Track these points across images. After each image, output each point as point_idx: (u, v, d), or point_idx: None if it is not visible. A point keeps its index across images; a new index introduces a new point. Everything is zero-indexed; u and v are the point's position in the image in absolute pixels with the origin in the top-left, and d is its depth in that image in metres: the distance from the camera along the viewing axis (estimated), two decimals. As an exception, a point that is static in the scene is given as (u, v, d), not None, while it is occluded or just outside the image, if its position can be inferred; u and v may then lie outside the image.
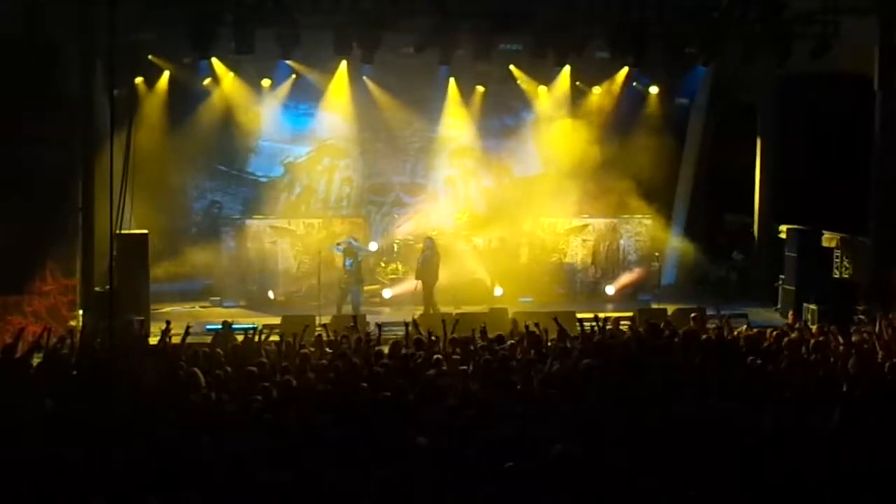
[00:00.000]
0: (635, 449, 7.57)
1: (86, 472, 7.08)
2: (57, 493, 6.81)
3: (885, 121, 17.40)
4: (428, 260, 17.94)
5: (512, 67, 20.28)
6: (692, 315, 14.04)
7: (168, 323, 12.23)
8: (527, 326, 12.06)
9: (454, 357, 10.62)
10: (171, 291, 18.39)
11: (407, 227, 20.82)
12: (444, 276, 19.10)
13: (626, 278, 20.13)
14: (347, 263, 17.51)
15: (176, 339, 11.98)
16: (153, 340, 13.03)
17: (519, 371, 9.98)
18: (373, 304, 18.74)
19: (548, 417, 8.33)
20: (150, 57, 18.44)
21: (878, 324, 12.54)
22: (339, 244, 18.01)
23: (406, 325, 12.02)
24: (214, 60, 18.75)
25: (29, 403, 8.66)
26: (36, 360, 10.49)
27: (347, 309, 17.01)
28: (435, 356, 10.50)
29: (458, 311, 16.46)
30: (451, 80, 20.09)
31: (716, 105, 20.90)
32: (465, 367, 10.22)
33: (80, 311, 15.16)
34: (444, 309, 17.21)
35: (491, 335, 11.81)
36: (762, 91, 20.38)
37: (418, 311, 15.96)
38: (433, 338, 11.52)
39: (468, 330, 12.24)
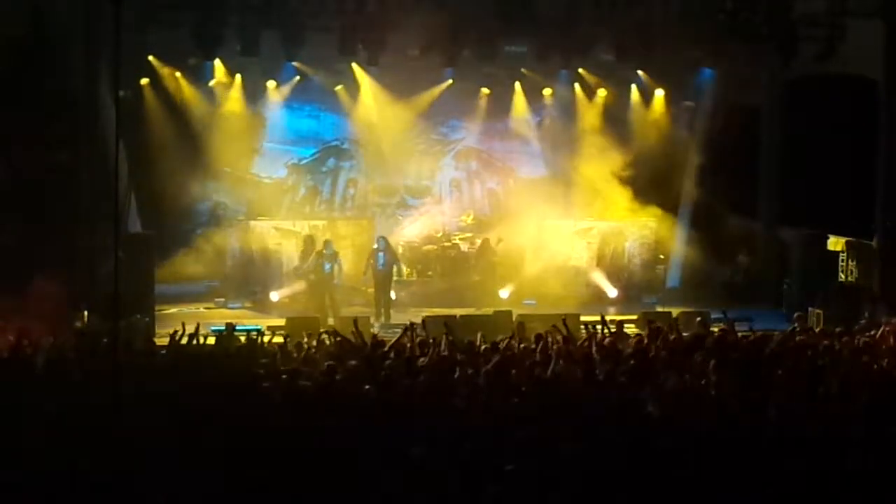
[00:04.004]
0: (638, 450, 7.56)
1: (91, 474, 7.08)
2: (61, 495, 6.82)
3: (890, 123, 17.38)
4: (388, 263, 17.71)
5: (517, 69, 20.28)
6: (697, 318, 14.00)
7: (197, 326, 12.15)
8: (548, 332, 11.98)
9: (458, 359, 10.60)
10: (175, 293, 18.38)
11: (412, 229, 20.82)
12: (449, 277, 19.12)
13: (611, 275, 19.97)
14: (326, 267, 17.43)
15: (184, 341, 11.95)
16: (160, 342, 13.03)
17: (523, 374, 9.96)
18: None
19: (552, 420, 8.31)
20: (150, 58, 18.46)
21: (883, 328, 12.50)
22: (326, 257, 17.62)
23: (407, 327, 11.96)
24: (219, 62, 18.78)
25: (33, 404, 8.65)
26: (40, 362, 10.48)
27: (346, 312, 16.99)
28: (439, 359, 10.48)
29: (463, 313, 16.41)
30: (448, 80, 20.07)
31: (721, 107, 20.88)
32: (469, 370, 10.19)
33: (86, 312, 15.17)
34: (448, 311, 17.16)
35: (495, 338, 11.77)
36: (768, 93, 20.36)
37: (423, 314, 15.94)
38: (433, 340, 11.49)
39: (472, 333, 12.21)
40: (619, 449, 7.58)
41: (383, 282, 17.73)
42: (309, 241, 18.11)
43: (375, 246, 18.01)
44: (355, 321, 12.62)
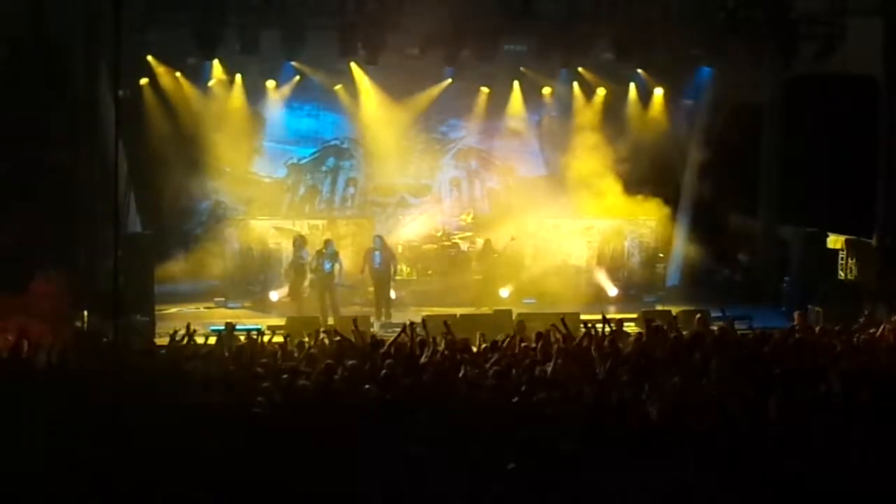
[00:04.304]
0: (638, 449, 7.57)
1: (90, 473, 7.08)
2: (61, 495, 6.82)
3: (890, 121, 17.38)
4: (385, 262, 17.77)
5: (517, 68, 20.27)
6: (697, 316, 14.00)
7: (187, 326, 12.18)
8: (548, 331, 11.98)
9: (459, 358, 10.60)
10: (175, 292, 18.38)
11: (412, 229, 20.81)
12: (449, 277, 19.11)
13: (611, 274, 19.96)
14: (327, 266, 17.43)
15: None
16: (160, 341, 13.04)
17: (524, 372, 9.96)
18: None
19: (552, 418, 8.31)
20: (150, 58, 18.47)
21: (883, 326, 12.50)
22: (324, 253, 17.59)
23: (405, 326, 11.95)
24: (219, 62, 18.77)
25: (33, 404, 8.66)
26: (40, 362, 10.47)
27: (346, 311, 17.00)
28: (439, 358, 10.49)
29: (463, 312, 16.42)
30: (448, 79, 20.08)
31: (721, 106, 20.87)
32: (469, 369, 10.20)
33: (85, 312, 15.16)
34: (448, 310, 17.16)
35: (495, 337, 11.78)
36: (768, 92, 20.35)
37: (423, 313, 15.93)
38: (433, 339, 11.50)
39: (472, 332, 12.21)
40: (618, 447, 7.58)
41: (381, 280, 17.76)
42: (299, 240, 18.02)
43: (372, 245, 18.03)
44: (355, 321, 12.62)
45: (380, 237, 18.22)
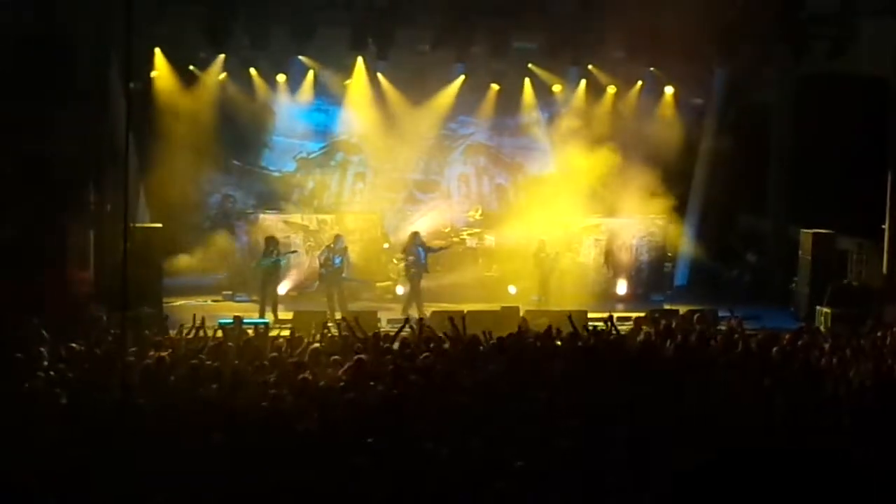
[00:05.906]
0: (639, 447, 7.57)
1: (99, 467, 7.11)
2: (68, 488, 6.85)
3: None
4: (427, 257, 17.77)
5: (527, 66, 20.26)
6: (695, 316, 13.96)
7: (202, 319, 12.20)
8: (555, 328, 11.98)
9: (462, 355, 10.61)
10: (183, 285, 18.42)
11: (420, 224, 20.80)
12: (456, 273, 19.11)
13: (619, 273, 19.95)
14: (336, 262, 17.43)
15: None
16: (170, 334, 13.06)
17: (529, 370, 9.97)
18: (385, 300, 18.74)
19: (555, 415, 8.32)
20: (160, 51, 18.53)
21: (891, 328, 12.47)
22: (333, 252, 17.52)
23: (409, 322, 11.95)
24: (229, 55, 18.81)
25: (43, 398, 8.69)
26: (48, 354, 10.50)
27: (354, 306, 17.01)
28: (443, 353, 10.51)
29: (470, 308, 16.42)
30: (462, 77, 20.07)
31: (731, 106, 20.83)
32: (475, 364, 10.21)
33: (94, 304, 15.19)
34: (454, 307, 17.15)
35: (502, 334, 11.78)
36: (778, 92, 20.29)
37: (430, 309, 15.95)
38: (440, 335, 11.52)
39: (479, 328, 12.23)
40: (621, 447, 7.59)
41: (421, 277, 17.70)
42: (271, 240, 17.89)
43: (412, 241, 17.95)
44: (356, 319, 12.63)
45: (417, 233, 18.21)
